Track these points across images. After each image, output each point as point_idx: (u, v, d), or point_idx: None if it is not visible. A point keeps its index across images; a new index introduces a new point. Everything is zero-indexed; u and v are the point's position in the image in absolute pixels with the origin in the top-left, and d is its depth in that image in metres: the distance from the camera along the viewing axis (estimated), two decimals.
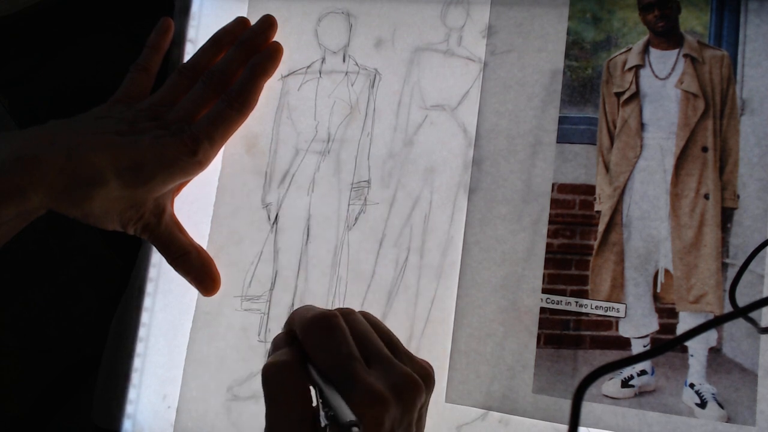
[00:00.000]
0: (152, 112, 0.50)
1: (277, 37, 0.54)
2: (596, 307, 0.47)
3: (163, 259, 0.50)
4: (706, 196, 0.47)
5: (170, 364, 0.52)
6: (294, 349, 0.37)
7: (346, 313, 0.39)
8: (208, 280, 0.51)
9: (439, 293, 0.49)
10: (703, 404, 0.44)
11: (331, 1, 0.54)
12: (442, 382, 0.48)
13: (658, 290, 0.47)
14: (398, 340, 0.40)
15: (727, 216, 0.46)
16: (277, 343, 0.39)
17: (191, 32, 0.56)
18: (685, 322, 0.46)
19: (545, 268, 0.48)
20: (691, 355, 0.45)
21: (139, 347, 0.53)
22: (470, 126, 0.51)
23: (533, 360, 0.47)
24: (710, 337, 0.45)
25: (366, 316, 0.41)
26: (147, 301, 0.53)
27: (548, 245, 0.48)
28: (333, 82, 0.53)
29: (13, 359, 0.57)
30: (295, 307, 0.51)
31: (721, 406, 0.44)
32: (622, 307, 0.47)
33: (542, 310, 0.47)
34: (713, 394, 0.44)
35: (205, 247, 0.52)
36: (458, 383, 0.48)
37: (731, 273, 0.45)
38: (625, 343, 0.46)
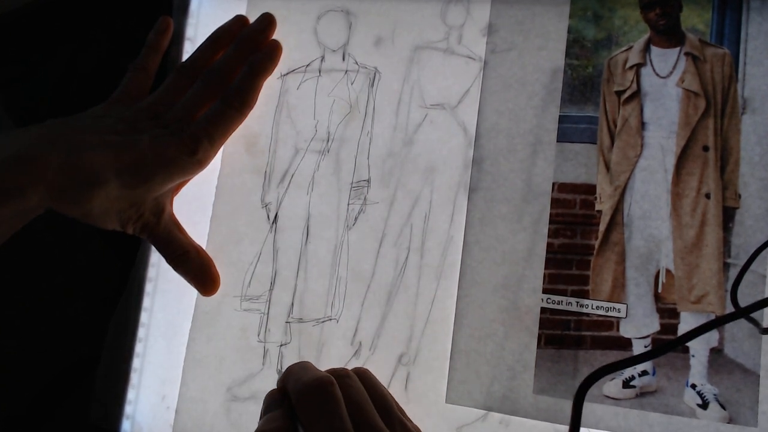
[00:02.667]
0: (151, 111, 0.49)
1: (276, 36, 0.54)
2: (597, 308, 0.47)
3: (162, 259, 0.50)
4: (708, 196, 0.46)
5: (169, 364, 0.52)
6: (286, 411, 0.37)
7: (342, 377, 0.39)
8: (208, 280, 0.50)
9: (439, 293, 0.49)
10: (704, 405, 0.44)
11: None
12: (443, 383, 0.48)
13: (660, 290, 0.46)
14: (393, 403, 0.40)
15: (728, 215, 0.46)
16: (271, 402, 0.38)
17: (190, 31, 0.56)
18: (686, 323, 0.46)
19: (546, 267, 0.48)
20: (693, 356, 0.45)
21: (138, 347, 0.53)
22: (470, 125, 0.50)
23: (534, 360, 0.47)
24: (712, 337, 0.45)
25: (362, 376, 0.40)
26: (146, 301, 0.53)
27: (549, 245, 0.48)
28: (332, 81, 0.53)
29: (11, 359, 0.56)
30: (295, 307, 0.51)
31: (722, 406, 0.44)
32: (623, 307, 0.47)
33: (543, 310, 0.47)
34: (715, 394, 0.44)
35: (204, 247, 0.52)
36: (458, 383, 0.47)
37: (733, 273, 0.45)
38: (626, 343, 0.46)
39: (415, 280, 0.49)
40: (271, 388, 0.42)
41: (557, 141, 0.49)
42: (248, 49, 0.52)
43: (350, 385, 0.38)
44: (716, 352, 0.45)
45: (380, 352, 0.49)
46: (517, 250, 0.48)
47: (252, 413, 0.50)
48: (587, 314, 0.47)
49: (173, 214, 0.51)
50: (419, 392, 0.48)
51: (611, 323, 0.47)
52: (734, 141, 0.47)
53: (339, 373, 0.39)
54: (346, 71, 0.53)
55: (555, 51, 0.50)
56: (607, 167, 0.48)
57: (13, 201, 0.42)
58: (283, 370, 0.41)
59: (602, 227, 0.48)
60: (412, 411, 0.47)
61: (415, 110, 0.51)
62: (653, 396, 0.45)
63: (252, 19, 0.54)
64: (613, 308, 0.47)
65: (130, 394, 0.52)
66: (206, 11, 0.56)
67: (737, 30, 0.48)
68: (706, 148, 0.47)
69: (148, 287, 0.54)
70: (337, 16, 0.54)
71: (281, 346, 0.51)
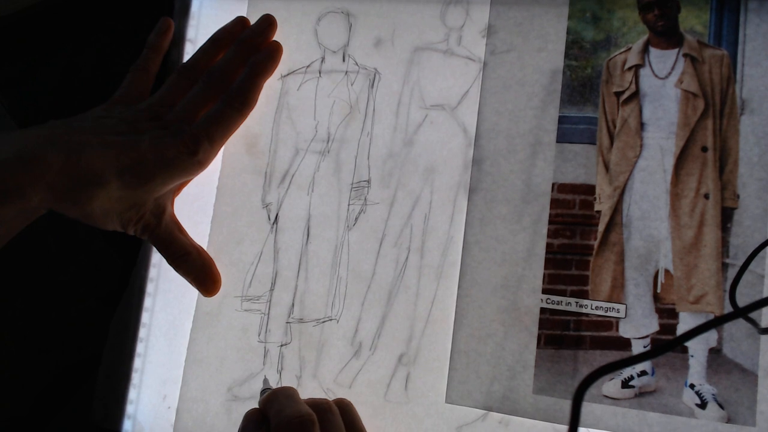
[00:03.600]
0: (152, 112, 0.50)
1: (277, 37, 0.54)
2: (596, 308, 0.47)
3: (164, 259, 0.50)
4: (706, 196, 0.46)
5: (170, 364, 0.52)
6: None
7: (324, 411, 0.39)
8: (209, 281, 0.51)
9: (439, 293, 0.49)
10: (703, 405, 0.44)
11: (330, 0, 0.54)
12: (443, 383, 0.48)
13: (659, 290, 0.47)
14: None
15: (727, 216, 0.46)
16: (249, 422, 0.39)
17: (191, 32, 0.56)
18: (685, 323, 0.46)
19: (545, 268, 0.48)
20: (692, 356, 0.45)
21: (140, 347, 0.53)
22: (470, 126, 0.51)
23: (533, 360, 0.47)
24: (710, 337, 0.45)
25: (344, 409, 0.41)
26: (147, 301, 0.54)
27: (548, 245, 0.48)
28: (333, 82, 0.53)
29: (12, 359, 0.57)
30: (295, 307, 0.51)
31: (721, 406, 0.44)
32: (622, 307, 0.47)
33: (542, 310, 0.47)
34: (713, 394, 0.44)
35: (205, 248, 0.52)
36: (458, 383, 0.48)
37: (731, 273, 0.45)
38: (625, 343, 0.46)
39: (415, 280, 0.50)
40: (252, 407, 0.42)
41: (557, 142, 0.49)
42: (249, 50, 0.52)
43: (330, 421, 0.39)
44: (715, 352, 0.45)
45: (380, 352, 0.49)
46: (517, 251, 0.48)
47: None
48: (586, 314, 0.47)
49: (174, 214, 0.51)
50: (419, 392, 0.48)
51: (610, 323, 0.47)
52: (733, 141, 0.47)
53: (321, 407, 0.39)
54: (347, 72, 0.53)
55: (554, 52, 0.50)
56: (607, 168, 0.48)
57: (14, 201, 0.42)
58: (267, 393, 0.41)
59: (601, 227, 0.48)
60: (412, 411, 0.48)
61: (415, 111, 0.52)
62: (652, 396, 0.45)
63: (252, 21, 0.54)
64: (613, 308, 0.47)
65: (132, 394, 0.52)
66: (207, 13, 0.56)
67: (735, 31, 0.48)
68: (704, 149, 0.47)
69: (150, 287, 0.54)
70: (337, 18, 0.54)
71: (282, 346, 0.51)
